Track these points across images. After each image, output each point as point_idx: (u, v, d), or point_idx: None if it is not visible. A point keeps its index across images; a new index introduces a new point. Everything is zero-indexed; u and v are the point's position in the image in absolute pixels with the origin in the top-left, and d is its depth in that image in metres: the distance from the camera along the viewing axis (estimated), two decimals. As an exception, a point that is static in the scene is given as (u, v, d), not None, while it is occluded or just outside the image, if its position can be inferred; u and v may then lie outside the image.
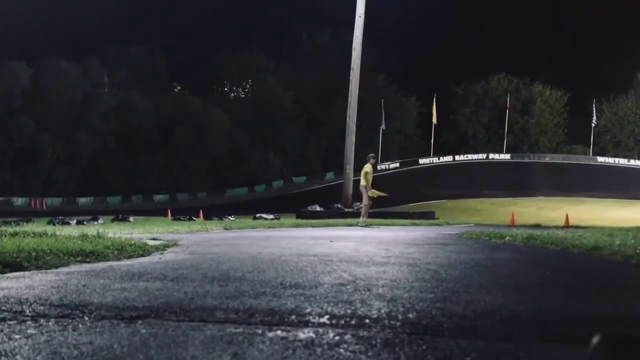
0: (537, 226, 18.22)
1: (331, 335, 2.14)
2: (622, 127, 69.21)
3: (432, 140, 65.06)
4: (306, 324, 2.32)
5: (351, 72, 19.09)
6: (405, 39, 79.14)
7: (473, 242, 9.04)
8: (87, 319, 2.37)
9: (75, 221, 19.67)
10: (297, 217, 23.93)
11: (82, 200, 55.71)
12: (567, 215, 22.49)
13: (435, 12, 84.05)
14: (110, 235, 7.46)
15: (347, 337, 2.12)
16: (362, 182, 15.61)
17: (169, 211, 31.36)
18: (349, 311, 2.61)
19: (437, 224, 21.56)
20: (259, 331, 2.17)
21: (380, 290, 3.29)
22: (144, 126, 61.45)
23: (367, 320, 2.41)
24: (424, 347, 1.98)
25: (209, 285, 3.41)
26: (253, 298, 2.98)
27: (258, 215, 29.02)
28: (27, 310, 2.53)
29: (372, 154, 16.17)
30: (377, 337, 2.12)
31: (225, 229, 13.74)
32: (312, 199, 33.33)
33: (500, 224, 19.66)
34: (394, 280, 3.76)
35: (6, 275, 3.93)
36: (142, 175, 60.14)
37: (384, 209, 26.51)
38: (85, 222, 19.00)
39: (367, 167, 15.66)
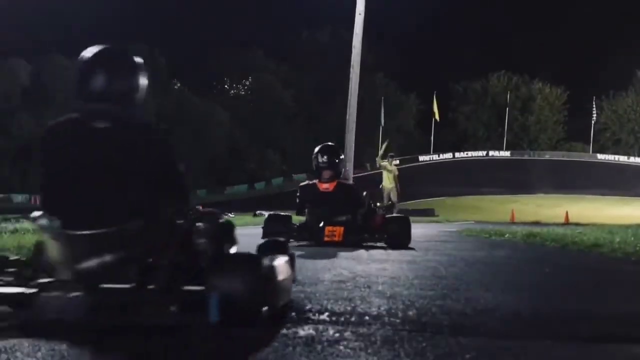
0: (537, 223, 18.22)
1: (331, 332, 2.14)
2: (622, 125, 69.15)
3: (432, 138, 65.04)
4: (306, 321, 2.32)
5: (351, 69, 19.03)
6: (405, 37, 78.93)
7: (473, 240, 9.05)
8: (86, 316, 2.37)
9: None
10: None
11: (82, 197, 55.72)
12: (566, 213, 22.49)
13: (434, 10, 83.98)
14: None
15: (347, 334, 2.12)
16: (392, 184, 16.32)
17: (169, 208, 31.33)
18: (348, 308, 2.61)
19: (437, 221, 21.59)
20: (259, 328, 2.17)
21: (380, 288, 3.29)
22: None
23: (366, 318, 2.41)
24: (424, 345, 1.98)
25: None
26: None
27: (258, 212, 29.02)
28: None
29: (392, 153, 16.96)
30: (377, 334, 2.12)
31: (225, 226, 13.75)
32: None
33: (500, 222, 19.67)
34: (394, 278, 3.77)
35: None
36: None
37: (384, 207, 26.52)
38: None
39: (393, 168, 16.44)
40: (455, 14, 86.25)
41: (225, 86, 74.31)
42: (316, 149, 7.28)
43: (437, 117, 63.14)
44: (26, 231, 7.46)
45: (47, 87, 57.66)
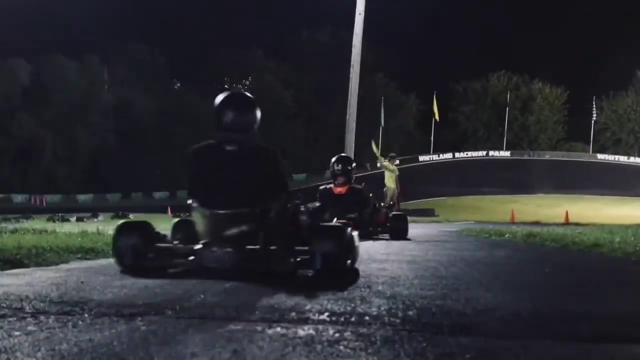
0: (537, 223, 18.23)
1: (331, 332, 2.14)
2: (622, 125, 69.16)
3: (432, 138, 65.01)
4: (306, 321, 2.32)
5: (351, 69, 19.05)
6: (405, 37, 78.87)
7: (473, 239, 9.05)
8: (86, 315, 2.37)
9: (75, 218, 19.65)
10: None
11: (82, 197, 55.61)
12: (566, 213, 22.50)
13: (434, 10, 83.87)
14: (110, 232, 7.45)
15: (347, 334, 2.11)
16: (394, 184, 16.33)
17: (169, 208, 31.32)
18: (348, 308, 2.61)
19: (437, 221, 21.60)
20: (259, 328, 2.17)
21: (380, 288, 3.28)
22: (144, 123, 61.38)
23: (366, 318, 2.41)
24: (424, 344, 1.98)
25: (208, 282, 3.40)
26: (253, 295, 2.98)
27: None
28: (27, 307, 2.53)
29: (393, 154, 17.05)
30: (377, 334, 2.12)
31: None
32: (312, 196, 33.26)
33: (500, 221, 19.66)
34: (394, 277, 3.76)
35: (6, 272, 3.93)
36: (142, 173, 60.09)
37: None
38: (85, 219, 18.98)
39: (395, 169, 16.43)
40: (455, 14, 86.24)
41: (225, 86, 74.23)
42: (333, 159, 8.94)
43: (437, 117, 63.09)
44: (26, 231, 7.46)
45: (47, 87, 57.65)
